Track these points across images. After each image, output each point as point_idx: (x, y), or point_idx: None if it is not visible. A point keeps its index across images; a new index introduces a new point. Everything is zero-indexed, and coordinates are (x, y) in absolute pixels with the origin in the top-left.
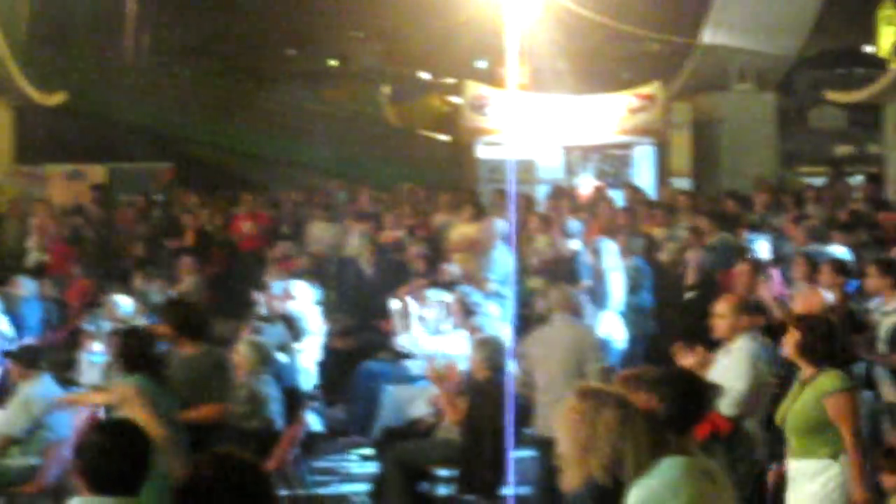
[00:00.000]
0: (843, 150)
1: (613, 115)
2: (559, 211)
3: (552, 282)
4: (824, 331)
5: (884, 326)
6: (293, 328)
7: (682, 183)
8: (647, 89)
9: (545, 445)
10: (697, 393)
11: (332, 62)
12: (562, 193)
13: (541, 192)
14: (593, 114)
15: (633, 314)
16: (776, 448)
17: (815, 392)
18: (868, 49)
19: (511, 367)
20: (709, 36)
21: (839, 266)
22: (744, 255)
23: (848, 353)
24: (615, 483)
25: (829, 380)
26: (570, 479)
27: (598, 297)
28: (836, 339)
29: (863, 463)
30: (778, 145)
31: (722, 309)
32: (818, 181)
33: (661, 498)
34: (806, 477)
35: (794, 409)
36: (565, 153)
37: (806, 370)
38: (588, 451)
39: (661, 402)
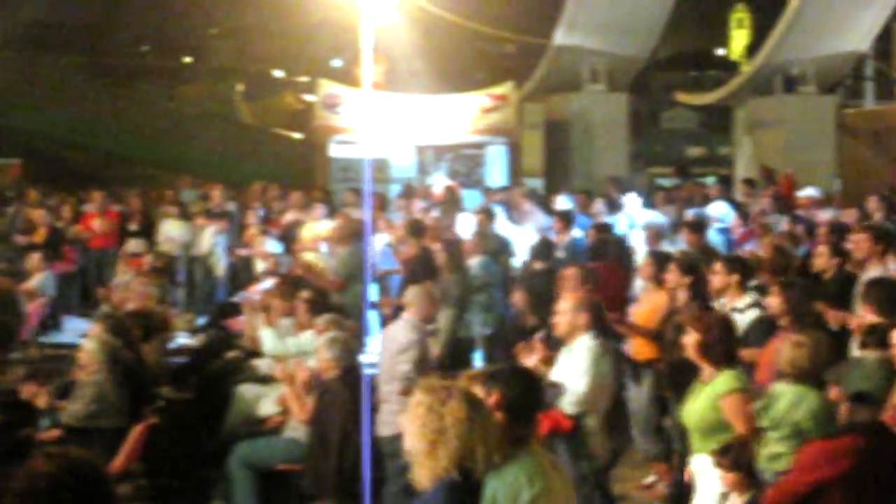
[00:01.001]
0: (694, 151)
1: (466, 114)
2: (410, 210)
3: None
4: (722, 330)
5: (738, 323)
6: None
7: (535, 183)
8: (500, 89)
9: (386, 439)
10: (533, 388)
11: (187, 59)
12: (413, 192)
13: (394, 192)
14: (447, 113)
15: (481, 312)
16: (621, 443)
17: (711, 392)
18: (720, 52)
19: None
20: (561, 37)
21: (685, 265)
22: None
23: None
24: (466, 476)
25: (724, 381)
26: (421, 474)
27: (446, 295)
28: (732, 339)
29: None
30: (630, 146)
31: (562, 308)
32: (669, 182)
33: (517, 487)
34: (705, 473)
35: (694, 409)
36: (418, 152)
37: (706, 370)
38: (437, 445)
39: (499, 398)
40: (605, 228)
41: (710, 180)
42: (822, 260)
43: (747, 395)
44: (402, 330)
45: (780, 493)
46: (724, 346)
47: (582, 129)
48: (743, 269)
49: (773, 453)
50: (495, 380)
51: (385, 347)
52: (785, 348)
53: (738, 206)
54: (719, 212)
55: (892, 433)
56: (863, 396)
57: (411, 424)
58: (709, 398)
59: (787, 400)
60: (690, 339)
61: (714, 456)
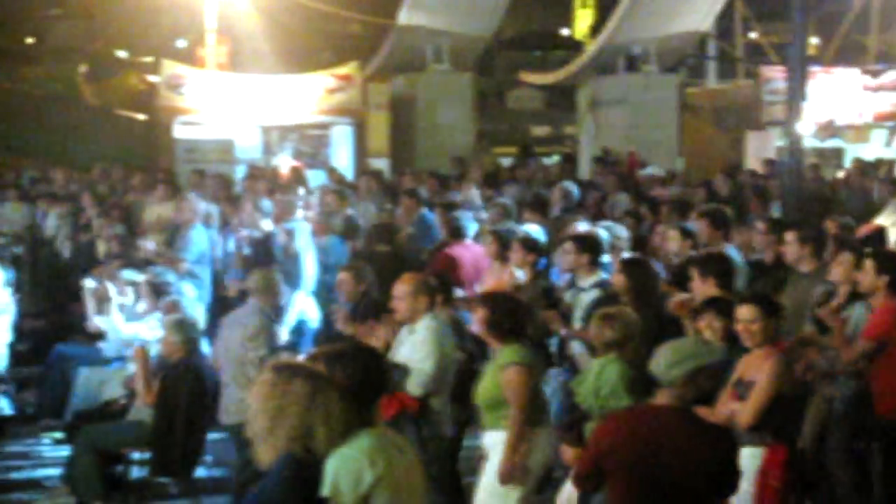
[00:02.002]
0: (540, 130)
1: (311, 95)
2: (255, 191)
3: (250, 264)
4: (509, 307)
5: (581, 302)
6: None
7: (380, 163)
8: (344, 70)
9: (234, 427)
10: (376, 368)
11: (29, 39)
12: (258, 174)
13: (239, 173)
14: (291, 94)
15: (326, 293)
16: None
17: (496, 366)
18: (565, 31)
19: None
20: (406, 16)
21: (529, 244)
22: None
23: (541, 330)
24: (308, 455)
25: (505, 354)
26: (263, 454)
27: (292, 277)
28: (521, 316)
29: (521, 436)
30: (475, 126)
31: (400, 291)
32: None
33: (358, 467)
34: (496, 448)
35: (482, 384)
36: (263, 133)
37: (494, 346)
38: (277, 424)
39: (342, 377)
40: (452, 207)
41: (554, 159)
42: (675, 243)
43: (525, 370)
44: (249, 315)
45: (578, 466)
46: (511, 322)
47: (427, 108)
48: (592, 248)
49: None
50: (338, 360)
51: (229, 332)
52: (594, 324)
53: (586, 185)
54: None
55: (684, 418)
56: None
57: (255, 403)
58: (493, 373)
59: (593, 373)
60: (478, 316)
61: (558, 431)
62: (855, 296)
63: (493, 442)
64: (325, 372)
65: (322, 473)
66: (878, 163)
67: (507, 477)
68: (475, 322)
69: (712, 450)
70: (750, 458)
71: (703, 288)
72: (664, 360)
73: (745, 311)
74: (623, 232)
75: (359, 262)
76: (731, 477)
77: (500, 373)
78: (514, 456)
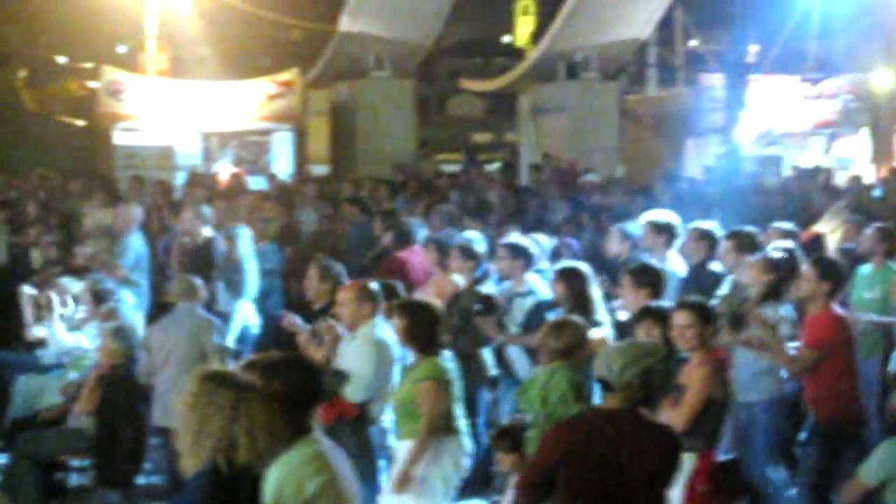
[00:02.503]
0: (481, 137)
1: (252, 101)
2: (195, 198)
3: (189, 270)
4: (428, 317)
5: (519, 308)
6: None
7: (321, 169)
8: (285, 76)
9: (167, 434)
10: (312, 377)
11: None
12: (198, 180)
13: (179, 179)
14: (232, 100)
15: (262, 299)
16: None
17: (412, 377)
18: (506, 39)
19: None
20: (346, 24)
21: (468, 251)
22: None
23: (478, 337)
24: (230, 466)
25: (424, 367)
26: (188, 464)
27: (234, 284)
28: (439, 326)
29: (423, 450)
30: (416, 132)
31: (343, 298)
32: (455, 168)
33: (301, 475)
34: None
35: (398, 394)
36: (204, 139)
37: (413, 356)
38: (202, 434)
39: (277, 387)
40: (391, 214)
41: (495, 166)
42: (615, 245)
43: (440, 385)
44: (193, 319)
45: (525, 475)
46: (430, 332)
47: (368, 115)
48: (528, 255)
49: (534, 434)
50: (275, 369)
51: (172, 335)
52: (546, 334)
53: (525, 192)
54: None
55: (635, 420)
56: (600, 382)
57: (181, 413)
58: (410, 383)
59: (540, 381)
60: (399, 325)
61: (492, 437)
62: (767, 296)
63: (404, 451)
64: (254, 380)
65: (243, 484)
66: (817, 170)
67: (399, 486)
68: (396, 330)
69: (662, 449)
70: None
71: (635, 297)
72: (616, 364)
73: (680, 317)
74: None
75: (326, 261)
76: (673, 475)
77: (416, 385)
78: (413, 467)
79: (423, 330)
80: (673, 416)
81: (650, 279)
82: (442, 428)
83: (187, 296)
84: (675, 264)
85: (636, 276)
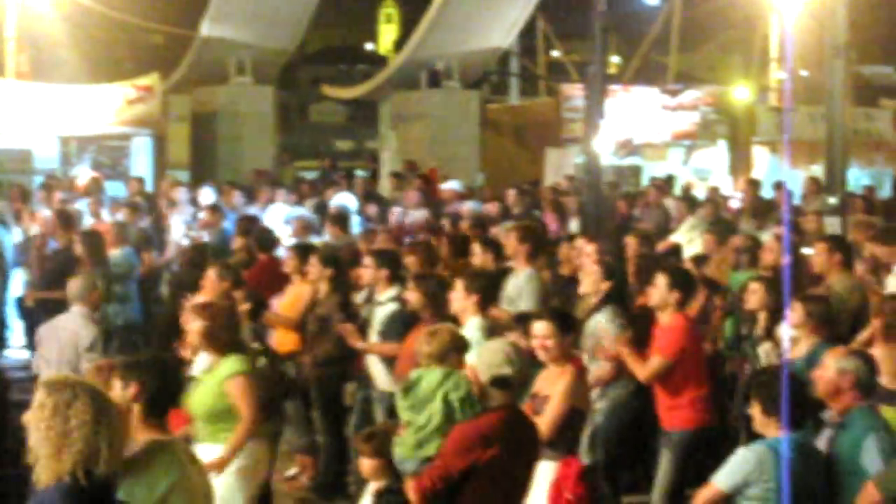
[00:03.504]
0: (343, 144)
1: (111, 105)
2: (51, 201)
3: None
4: (227, 319)
5: (378, 316)
6: None
7: (181, 175)
8: (145, 80)
9: None
10: (173, 379)
11: None
12: (54, 184)
13: (37, 183)
14: (91, 104)
15: (119, 304)
16: None
17: (216, 378)
18: (369, 46)
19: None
20: (208, 29)
21: (327, 258)
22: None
23: (339, 344)
24: (89, 477)
25: (228, 365)
26: (42, 476)
27: None
28: (238, 327)
29: (241, 445)
30: (277, 139)
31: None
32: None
33: (152, 479)
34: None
35: (198, 398)
36: (62, 143)
37: (211, 357)
38: (62, 448)
39: (138, 389)
40: (251, 220)
41: (358, 173)
42: (478, 258)
43: (252, 378)
44: (81, 326)
45: (433, 476)
46: (228, 333)
47: (229, 121)
48: (392, 263)
49: (423, 437)
50: (134, 370)
51: (57, 341)
52: (420, 340)
53: (384, 200)
54: (345, 203)
55: (524, 417)
56: (500, 381)
57: (35, 426)
58: (213, 385)
59: (433, 380)
60: (195, 327)
61: (356, 442)
62: (605, 303)
63: (208, 455)
64: (113, 382)
65: (103, 495)
66: (674, 180)
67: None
68: (191, 333)
69: (538, 442)
70: (544, 473)
71: (463, 302)
72: (517, 361)
73: (540, 327)
74: None
75: (223, 261)
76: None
77: (222, 384)
78: (229, 457)
79: (221, 331)
80: (536, 424)
81: (482, 285)
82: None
83: (83, 297)
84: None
85: (470, 280)
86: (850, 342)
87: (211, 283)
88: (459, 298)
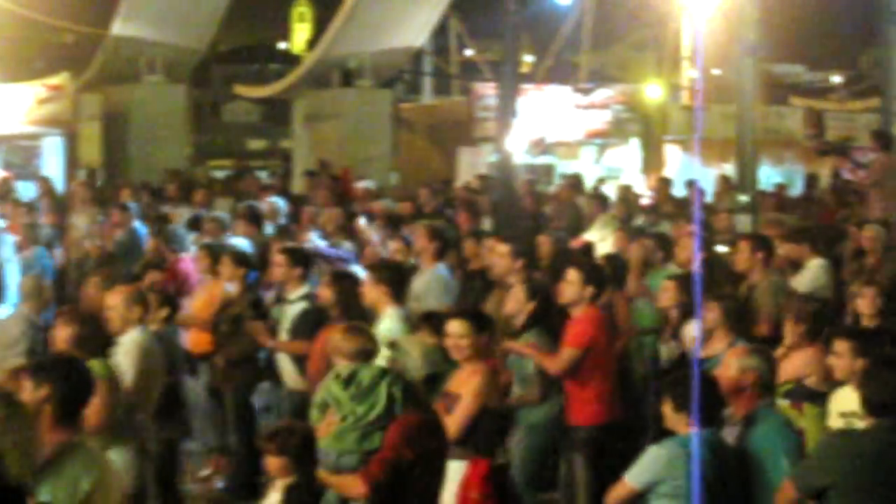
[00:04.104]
0: (255, 144)
1: (21, 105)
2: None
3: None
4: (97, 324)
5: (288, 314)
6: None
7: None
8: (55, 80)
9: None
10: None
11: None
12: None
13: None
14: (1, 104)
15: None
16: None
17: None
18: (282, 45)
19: None
20: (119, 27)
21: (239, 257)
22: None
23: (250, 342)
24: (2, 481)
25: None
26: None
27: None
28: (104, 332)
29: None
30: (190, 138)
31: (113, 301)
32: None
33: (72, 480)
34: None
35: None
36: None
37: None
38: None
39: (50, 390)
40: (162, 220)
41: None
42: (399, 255)
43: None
44: (14, 323)
45: (384, 466)
46: (99, 339)
47: (141, 120)
48: (305, 261)
49: (365, 430)
50: (45, 372)
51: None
52: (335, 338)
53: (297, 199)
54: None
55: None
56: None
57: None
58: None
59: (374, 372)
60: (64, 333)
61: (260, 441)
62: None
63: None
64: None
65: (14, 497)
66: (585, 179)
67: None
68: (58, 338)
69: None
70: (453, 472)
71: (374, 293)
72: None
73: (454, 326)
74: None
75: (105, 270)
76: None
77: None
78: None
79: (90, 336)
80: (447, 423)
81: (390, 276)
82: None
83: (31, 297)
84: (443, 272)
85: (375, 271)
86: (776, 341)
87: (92, 292)
88: (369, 290)
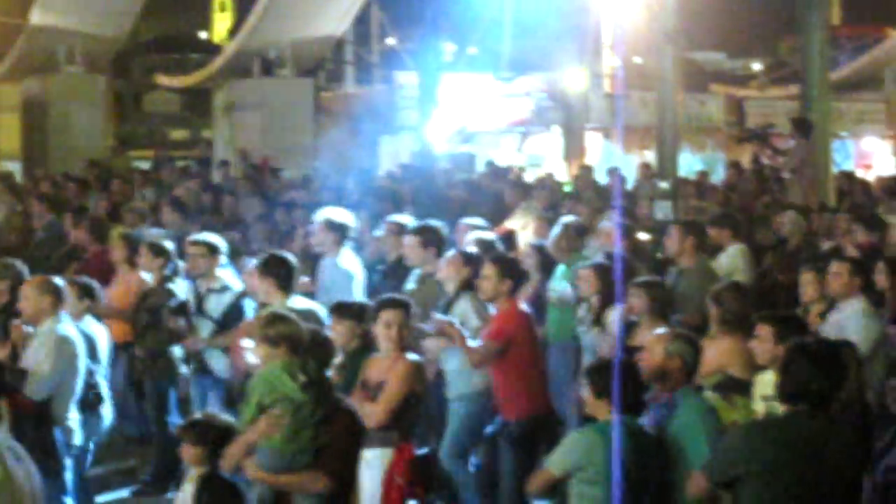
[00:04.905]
0: (177, 134)
1: None
2: None
3: None
4: None
5: (213, 304)
6: None
7: (13, 166)
8: None
9: None
10: None
11: None
12: None
13: None
14: None
15: None
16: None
17: None
18: (203, 35)
19: None
20: (37, 17)
21: (157, 248)
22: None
23: (168, 334)
24: None
25: None
26: None
27: None
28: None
29: None
30: (111, 128)
31: (25, 292)
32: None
33: None
34: None
35: None
36: None
37: None
38: None
39: None
40: (83, 210)
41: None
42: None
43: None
44: None
45: (340, 456)
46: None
47: (59, 110)
48: (214, 250)
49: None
50: None
51: None
52: (255, 325)
53: (219, 189)
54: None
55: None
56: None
57: None
58: None
59: (278, 374)
60: None
61: (179, 430)
62: (462, 290)
63: None
64: None
65: None
66: (509, 167)
67: None
68: None
69: None
70: (378, 459)
71: (262, 286)
72: None
73: (389, 316)
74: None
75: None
76: None
77: None
78: None
79: None
80: (372, 410)
81: (278, 270)
82: None
83: None
84: (348, 263)
85: (263, 265)
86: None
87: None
88: (259, 283)
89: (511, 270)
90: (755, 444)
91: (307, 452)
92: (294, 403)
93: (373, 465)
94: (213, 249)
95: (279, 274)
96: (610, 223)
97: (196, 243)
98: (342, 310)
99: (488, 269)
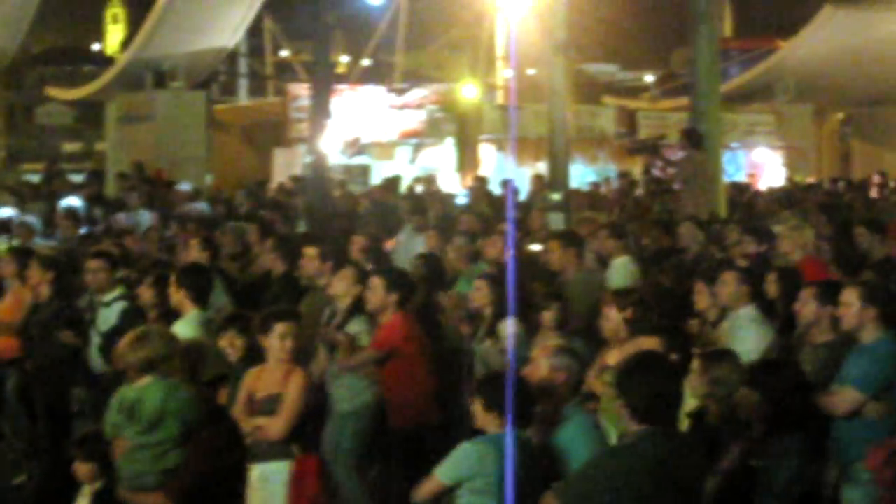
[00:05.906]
0: (70, 146)
1: None
2: None
3: None
4: None
5: (105, 316)
6: None
7: None
8: None
9: None
10: None
11: None
12: None
13: None
14: None
15: None
16: None
17: None
18: (96, 47)
19: None
20: None
21: (47, 262)
22: None
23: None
24: None
25: None
26: None
27: None
28: None
29: None
30: (2, 141)
31: None
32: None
33: None
34: None
35: None
36: None
37: None
38: None
39: None
40: None
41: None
42: (194, 252)
43: None
44: None
45: (183, 483)
46: None
47: None
48: (113, 264)
49: (160, 453)
50: None
51: None
52: (121, 348)
53: (112, 202)
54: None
55: None
56: None
57: None
58: None
59: (155, 399)
60: None
61: (71, 446)
62: (355, 308)
63: None
64: None
65: None
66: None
67: None
68: None
69: None
70: (278, 474)
71: (177, 296)
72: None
73: (281, 328)
74: None
75: None
76: None
77: None
78: None
79: None
80: (273, 423)
81: (193, 281)
82: None
83: None
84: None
85: (182, 276)
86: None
87: None
88: (173, 293)
89: (398, 283)
90: (610, 476)
91: (150, 475)
92: (122, 432)
93: (273, 480)
94: (109, 263)
95: (194, 285)
96: (503, 235)
97: (97, 256)
98: (238, 321)
99: (375, 281)
